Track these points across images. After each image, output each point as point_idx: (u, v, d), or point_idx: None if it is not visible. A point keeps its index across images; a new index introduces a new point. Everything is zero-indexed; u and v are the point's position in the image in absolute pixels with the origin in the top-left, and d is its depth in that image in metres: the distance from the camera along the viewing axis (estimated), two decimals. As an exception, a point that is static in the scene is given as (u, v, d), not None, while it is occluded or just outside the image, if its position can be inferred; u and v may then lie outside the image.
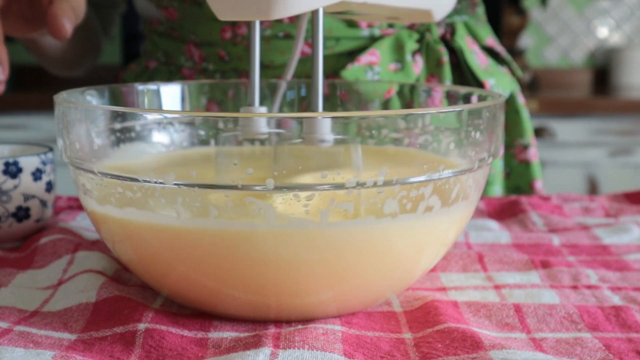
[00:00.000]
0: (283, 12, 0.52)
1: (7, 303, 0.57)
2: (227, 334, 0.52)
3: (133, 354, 0.49)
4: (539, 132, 2.39)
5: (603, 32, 2.86)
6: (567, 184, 2.43)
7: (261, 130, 0.61)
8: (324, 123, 0.53)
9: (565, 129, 2.41)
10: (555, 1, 2.83)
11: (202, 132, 0.71)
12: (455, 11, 0.94)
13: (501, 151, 0.60)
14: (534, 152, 1.00)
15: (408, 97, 0.82)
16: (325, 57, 0.86)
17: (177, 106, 0.72)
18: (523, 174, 1.00)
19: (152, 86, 0.70)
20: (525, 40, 2.81)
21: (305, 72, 0.88)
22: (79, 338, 0.51)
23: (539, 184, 1.01)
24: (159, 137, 0.69)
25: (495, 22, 2.48)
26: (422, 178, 0.51)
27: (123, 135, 0.64)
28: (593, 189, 2.44)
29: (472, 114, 0.54)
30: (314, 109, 0.56)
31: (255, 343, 0.49)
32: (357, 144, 0.56)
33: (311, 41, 0.56)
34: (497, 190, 0.98)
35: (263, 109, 0.67)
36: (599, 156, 2.44)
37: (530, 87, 2.58)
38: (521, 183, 1.00)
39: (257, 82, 0.66)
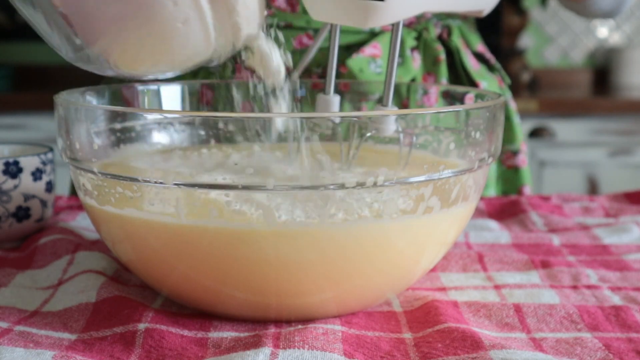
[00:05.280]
0: (376, 22, 0.55)
1: (7, 303, 0.57)
2: (227, 334, 0.52)
3: (133, 354, 0.49)
4: (539, 132, 2.39)
5: (603, 32, 2.86)
6: (567, 184, 2.43)
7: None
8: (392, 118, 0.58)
9: (565, 129, 2.40)
10: (555, 1, 2.83)
11: (202, 132, 0.71)
12: (449, 15, 0.95)
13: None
14: (523, 159, 1.01)
15: (404, 95, 0.83)
16: (323, 50, 0.86)
17: (177, 106, 0.72)
18: (511, 179, 1.01)
19: (152, 86, 0.70)
20: (525, 40, 2.81)
21: (317, 61, 0.88)
22: (79, 338, 0.51)
23: (527, 190, 1.01)
24: (159, 137, 0.69)
25: (495, 22, 2.48)
26: (422, 178, 0.51)
27: (123, 135, 0.64)
28: (593, 189, 2.44)
29: (472, 114, 0.54)
30: (386, 106, 0.60)
31: (255, 343, 0.49)
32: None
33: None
34: (492, 193, 0.99)
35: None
36: (599, 156, 2.43)
37: (530, 87, 2.58)
38: (509, 189, 1.01)
39: (333, 77, 0.66)
